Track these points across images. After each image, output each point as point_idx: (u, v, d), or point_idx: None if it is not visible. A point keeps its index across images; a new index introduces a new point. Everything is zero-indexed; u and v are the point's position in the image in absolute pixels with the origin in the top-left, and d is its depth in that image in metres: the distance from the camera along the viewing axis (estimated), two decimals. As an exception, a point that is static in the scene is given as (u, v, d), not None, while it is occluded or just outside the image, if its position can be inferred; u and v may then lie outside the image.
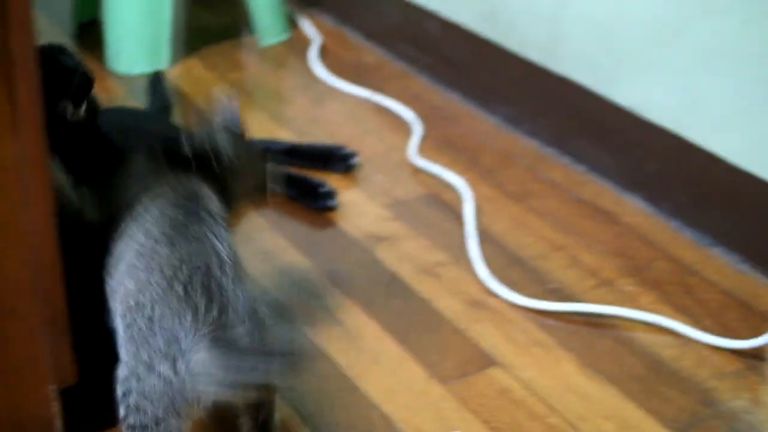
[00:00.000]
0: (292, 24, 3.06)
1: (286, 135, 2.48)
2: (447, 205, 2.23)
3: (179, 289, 1.41)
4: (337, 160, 2.35)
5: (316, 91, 2.72)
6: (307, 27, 3.05)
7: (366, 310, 1.92)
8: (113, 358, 1.71)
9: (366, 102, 2.66)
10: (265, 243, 2.07)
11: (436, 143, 2.46)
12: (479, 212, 2.19)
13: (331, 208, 2.21)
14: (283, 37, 3.00)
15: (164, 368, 1.39)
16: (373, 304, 1.93)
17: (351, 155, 2.35)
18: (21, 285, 1.46)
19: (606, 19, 2.24)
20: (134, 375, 1.42)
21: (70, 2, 3.04)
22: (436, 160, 2.37)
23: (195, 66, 2.86)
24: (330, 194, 2.22)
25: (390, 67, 2.85)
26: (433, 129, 2.52)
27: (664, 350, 1.83)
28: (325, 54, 2.91)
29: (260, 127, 2.53)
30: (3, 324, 1.48)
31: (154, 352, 1.40)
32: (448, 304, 1.94)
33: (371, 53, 2.93)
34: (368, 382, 1.75)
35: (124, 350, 1.45)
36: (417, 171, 2.36)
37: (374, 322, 1.89)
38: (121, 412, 1.44)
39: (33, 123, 1.39)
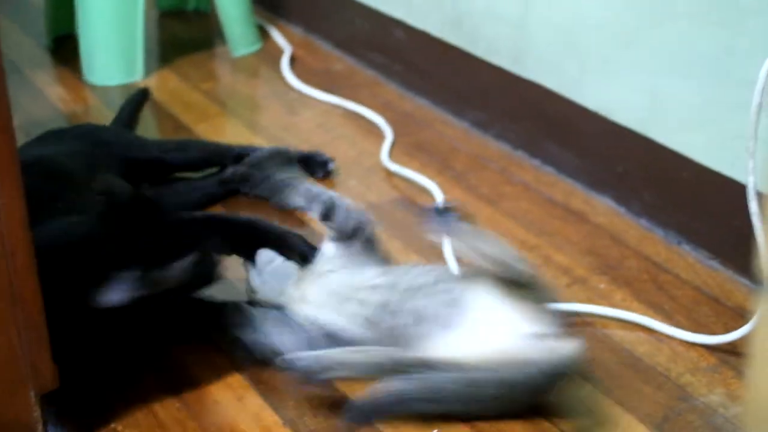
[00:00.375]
0: (262, 34, 3.08)
1: (260, 142, 2.50)
2: (419, 208, 2.25)
3: None
4: (315, 165, 2.37)
5: (289, 100, 2.74)
6: (278, 37, 3.07)
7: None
8: (93, 364, 1.73)
9: (337, 109, 2.68)
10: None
11: (408, 148, 2.48)
12: (452, 214, 2.20)
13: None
14: (255, 47, 3.02)
15: None
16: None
17: (328, 160, 2.38)
18: (-4, 292, 1.47)
19: (569, 23, 2.26)
20: None
21: (45, 17, 3.05)
22: (407, 165, 2.39)
23: (169, 77, 2.88)
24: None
25: (360, 75, 2.87)
26: (405, 134, 2.54)
27: (639, 347, 1.85)
28: (295, 63, 2.93)
29: (235, 135, 2.55)
30: (-20, 331, 1.48)
31: None
32: (423, 305, 1.95)
33: (341, 62, 2.95)
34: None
35: None
36: (389, 175, 2.38)
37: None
38: None
39: (1, 126, 1.40)
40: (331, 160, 2.39)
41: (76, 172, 2.01)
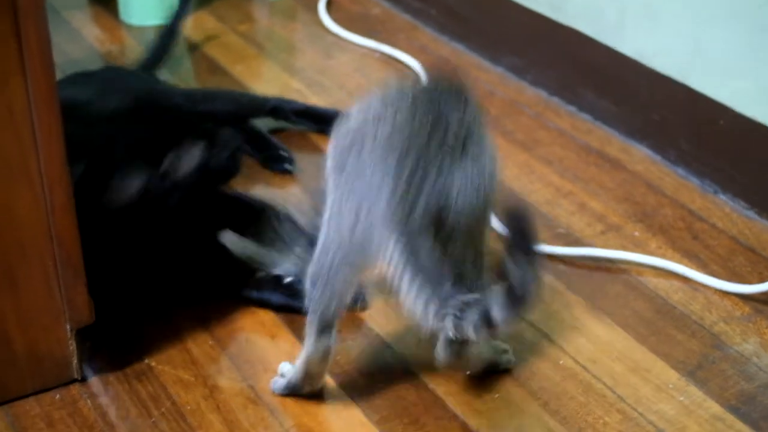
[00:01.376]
0: (300, -23, 3.07)
1: (296, 85, 2.49)
2: (455, 152, 2.24)
3: None
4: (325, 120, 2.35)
5: (326, 43, 2.73)
6: (315, -21, 3.06)
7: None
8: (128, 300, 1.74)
9: (374, 53, 2.67)
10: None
11: (444, 93, 2.47)
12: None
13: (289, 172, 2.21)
14: (293, -11, 3.01)
15: None
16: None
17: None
18: (34, 226, 1.49)
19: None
20: None
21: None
22: (444, 110, 2.37)
23: (206, 18, 2.87)
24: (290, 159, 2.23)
25: (397, 19, 2.85)
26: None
27: (673, 294, 1.84)
28: (333, 6, 2.92)
29: (272, 78, 2.55)
30: (17, 264, 1.50)
31: None
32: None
33: (378, 6, 2.93)
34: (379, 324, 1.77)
35: None
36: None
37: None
38: None
39: (41, 64, 1.40)
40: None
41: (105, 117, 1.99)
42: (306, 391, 1.60)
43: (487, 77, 2.55)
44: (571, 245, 1.95)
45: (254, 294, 1.80)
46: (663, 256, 1.92)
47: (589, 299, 1.83)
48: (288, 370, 1.61)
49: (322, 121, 2.32)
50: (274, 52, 2.71)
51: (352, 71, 2.59)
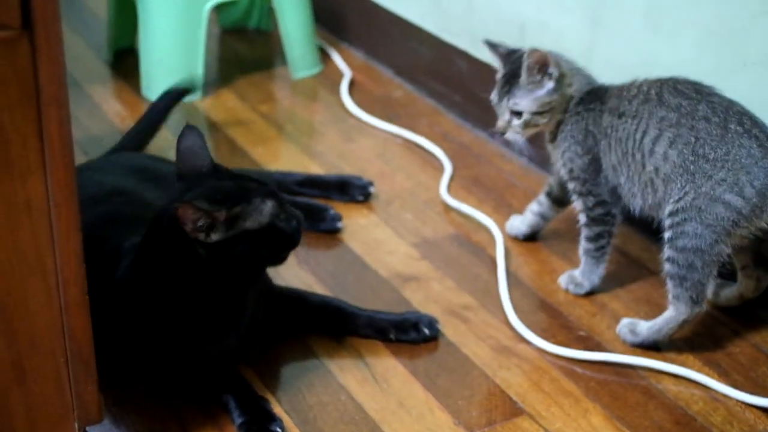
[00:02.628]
0: (323, 57, 3.06)
1: (316, 169, 2.48)
2: (475, 246, 2.22)
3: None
4: (354, 188, 2.36)
5: (347, 126, 2.71)
6: (338, 60, 3.05)
7: (392, 352, 1.91)
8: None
9: (396, 138, 2.66)
10: (291, 280, 2.06)
11: (465, 182, 2.46)
12: (508, 255, 2.18)
13: (338, 230, 2.25)
14: (315, 70, 3.00)
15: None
16: (399, 346, 1.92)
17: (369, 183, 2.38)
18: (46, 322, 1.46)
19: (637, 64, 2.22)
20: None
21: (107, 30, 3.05)
22: (464, 200, 2.36)
23: (227, 97, 2.86)
24: (337, 217, 2.27)
25: (419, 103, 2.84)
26: (462, 167, 2.51)
27: (693, 405, 1.81)
28: (355, 88, 2.91)
29: (291, 161, 2.54)
30: (28, 360, 1.47)
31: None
32: (475, 349, 1.92)
33: (400, 89, 2.92)
34: (394, 428, 1.74)
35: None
36: (447, 209, 2.35)
37: (400, 365, 1.88)
38: None
39: (62, 162, 1.38)
40: (371, 183, 2.37)
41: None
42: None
43: (509, 167, 2.53)
44: (591, 348, 1.92)
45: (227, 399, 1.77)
46: (684, 363, 1.89)
47: (607, 407, 1.80)
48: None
49: (325, 187, 2.35)
50: (295, 135, 2.70)
51: (374, 156, 2.57)
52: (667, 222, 1.88)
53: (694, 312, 1.88)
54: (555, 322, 2.00)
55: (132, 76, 2.88)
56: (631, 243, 2.24)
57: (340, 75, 2.97)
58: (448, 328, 1.97)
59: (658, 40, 2.18)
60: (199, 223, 1.59)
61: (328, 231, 2.25)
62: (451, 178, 2.46)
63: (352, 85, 2.92)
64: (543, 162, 2.50)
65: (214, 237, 1.61)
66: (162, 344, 1.74)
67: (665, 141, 1.87)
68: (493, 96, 2.04)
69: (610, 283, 2.11)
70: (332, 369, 1.86)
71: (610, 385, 1.85)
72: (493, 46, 2.08)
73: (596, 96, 2.01)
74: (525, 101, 1.99)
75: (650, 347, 1.92)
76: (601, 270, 2.07)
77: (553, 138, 2.05)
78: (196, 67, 2.79)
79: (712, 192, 1.82)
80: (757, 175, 1.81)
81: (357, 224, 2.28)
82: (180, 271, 1.67)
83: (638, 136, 1.91)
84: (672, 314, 1.89)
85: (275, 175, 2.35)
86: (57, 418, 1.53)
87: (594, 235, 2.05)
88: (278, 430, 1.69)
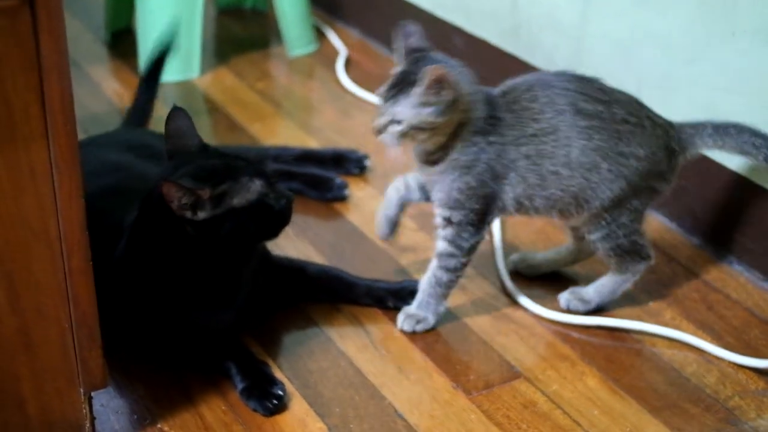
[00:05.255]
0: (319, 36, 3.08)
1: (313, 144, 2.51)
2: (471, 217, 2.24)
3: None
4: (350, 162, 2.40)
5: (343, 102, 2.74)
6: (334, 39, 3.07)
7: (391, 319, 1.93)
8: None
9: (392, 114, 2.68)
10: (290, 251, 2.08)
11: (461, 156, 2.47)
12: (503, 224, 2.20)
13: (345, 198, 2.30)
14: (311, 48, 3.02)
15: None
16: (397, 313, 1.94)
17: (364, 157, 2.41)
18: (51, 289, 1.49)
19: (628, 36, 2.25)
20: None
21: (105, 11, 3.07)
22: (460, 173, 2.38)
23: (225, 75, 2.88)
24: (343, 185, 2.32)
25: (415, 80, 2.86)
26: (458, 142, 2.53)
27: (687, 366, 1.84)
28: (351, 66, 2.93)
29: (289, 136, 2.56)
30: (33, 326, 1.50)
31: None
32: (473, 316, 1.95)
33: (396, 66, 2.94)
34: (393, 392, 1.76)
35: None
36: (442, 183, 2.37)
37: (399, 331, 1.90)
38: None
39: (65, 129, 1.40)
40: (367, 156, 2.40)
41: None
42: None
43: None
44: (586, 314, 1.95)
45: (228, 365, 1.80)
46: (677, 327, 1.92)
47: (602, 370, 1.82)
48: None
49: (321, 161, 2.39)
50: (292, 111, 2.72)
51: (370, 132, 2.58)
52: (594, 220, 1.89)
53: (645, 267, 1.95)
54: (550, 288, 2.02)
55: (130, 56, 2.90)
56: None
57: (335, 53, 2.99)
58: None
59: (648, 11, 2.20)
60: (183, 201, 1.62)
61: (335, 199, 2.29)
62: (447, 152, 2.48)
63: (348, 63, 2.95)
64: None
65: (201, 215, 1.64)
66: (161, 319, 1.77)
67: (592, 147, 1.82)
68: (380, 92, 1.85)
69: (605, 251, 2.13)
70: (332, 336, 1.89)
71: (605, 349, 1.88)
72: (405, 33, 1.92)
73: (493, 125, 1.84)
74: (408, 113, 1.79)
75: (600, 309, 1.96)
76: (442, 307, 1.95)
77: (434, 161, 1.85)
78: (194, 47, 2.81)
79: (639, 181, 1.86)
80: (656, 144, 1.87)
81: (354, 196, 2.31)
82: (171, 248, 1.70)
83: (561, 152, 1.82)
84: (624, 276, 1.95)
85: (271, 151, 2.38)
86: (63, 384, 1.55)
87: (447, 281, 1.91)
88: (280, 392, 1.72)
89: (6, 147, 1.39)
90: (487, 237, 2.13)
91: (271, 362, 1.81)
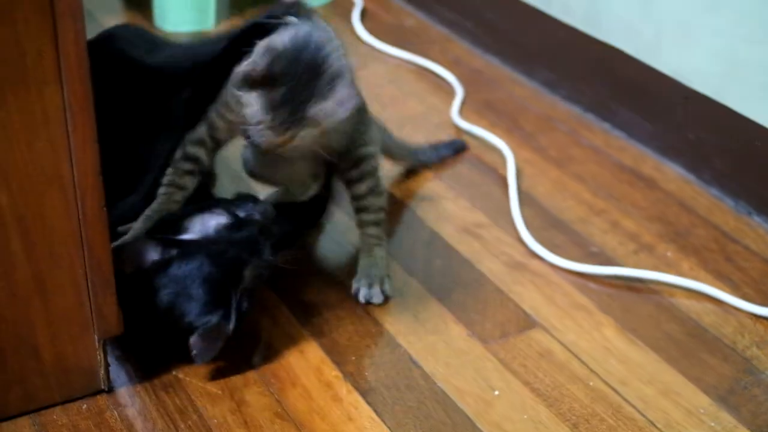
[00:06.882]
0: (334, -15, 3.07)
1: (328, 95, 2.49)
2: (488, 166, 2.23)
3: None
4: None
5: (359, 53, 2.72)
6: (350, -11, 3.05)
7: (407, 268, 1.92)
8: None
9: (407, 64, 2.66)
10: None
11: (477, 106, 2.46)
12: (520, 175, 2.19)
13: None
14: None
15: None
16: (414, 262, 1.93)
17: None
18: (65, 234, 1.48)
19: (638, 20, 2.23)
20: None
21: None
22: (476, 123, 2.37)
23: (236, 23, 2.86)
24: None
25: (431, 31, 2.85)
26: (474, 92, 2.52)
27: (705, 317, 1.83)
28: (366, 16, 2.91)
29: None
30: (47, 272, 1.49)
31: None
32: (489, 265, 1.94)
33: (412, 17, 2.93)
34: (408, 340, 1.76)
35: None
36: (458, 132, 2.36)
37: (415, 280, 1.89)
38: None
39: (78, 73, 1.39)
40: None
41: None
42: None
43: (521, 91, 2.54)
44: (603, 264, 1.94)
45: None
46: (695, 277, 1.90)
47: (620, 320, 1.81)
48: None
49: None
50: (308, 61, 2.70)
51: (386, 82, 2.58)
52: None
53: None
54: (567, 238, 2.01)
55: (144, 6, 2.88)
56: (643, 163, 2.25)
57: (351, 4, 2.97)
58: (462, 246, 1.98)
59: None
60: None
61: None
62: (463, 102, 2.47)
63: (363, 14, 2.93)
64: (554, 86, 2.51)
65: None
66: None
67: None
68: None
69: (623, 201, 2.12)
70: (349, 286, 1.88)
71: (623, 299, 1.87)
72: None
73: None
74: None
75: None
76: None
77: None
78: (208, -3, 2.80)
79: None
80: None
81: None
82: None
83: None
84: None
85: None
86: (77, 330, 1.55)
87: None
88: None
89: (19, 91, 1.37)
90: (502, 187, 2.13)
91: (285, 310, 1.81)
